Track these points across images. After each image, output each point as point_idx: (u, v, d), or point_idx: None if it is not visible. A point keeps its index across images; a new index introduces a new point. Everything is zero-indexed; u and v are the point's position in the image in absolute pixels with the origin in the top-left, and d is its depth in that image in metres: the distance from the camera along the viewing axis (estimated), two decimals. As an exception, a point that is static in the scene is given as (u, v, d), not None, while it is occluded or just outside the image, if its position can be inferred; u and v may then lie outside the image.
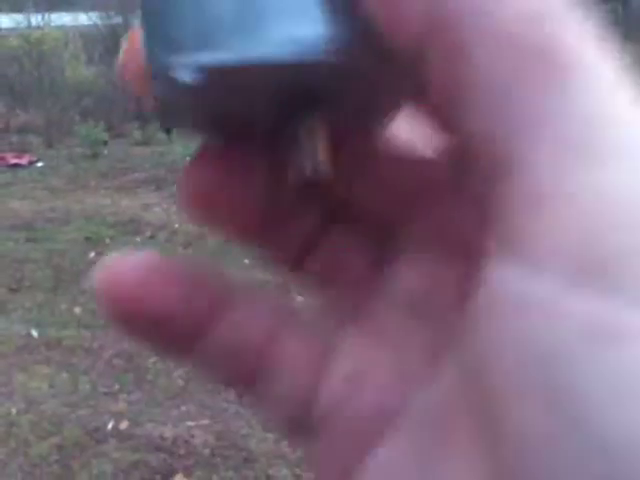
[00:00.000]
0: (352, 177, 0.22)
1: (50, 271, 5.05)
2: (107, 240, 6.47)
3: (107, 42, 13.67)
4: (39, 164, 9.26)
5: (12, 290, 4.55)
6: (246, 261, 5.96)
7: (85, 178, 10.04)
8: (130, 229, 7.08)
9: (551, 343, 0.14)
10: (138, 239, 6.64)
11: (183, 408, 3.10)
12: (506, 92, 0.15)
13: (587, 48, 0.15)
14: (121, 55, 0.21)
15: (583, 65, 0.15)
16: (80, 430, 2.95)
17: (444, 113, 0.16)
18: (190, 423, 2.92)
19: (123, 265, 0.22)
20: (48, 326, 4.02)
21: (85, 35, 13.41)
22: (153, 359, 3.53)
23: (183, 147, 11.73)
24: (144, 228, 7.23)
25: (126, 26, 12.99)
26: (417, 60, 0.16)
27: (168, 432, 2.87)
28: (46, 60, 11.50)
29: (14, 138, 10.69)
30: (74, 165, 11.19)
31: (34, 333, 3.92)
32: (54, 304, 4.33)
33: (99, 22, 13.41)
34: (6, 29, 13.04)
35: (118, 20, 13.06)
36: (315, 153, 0.19)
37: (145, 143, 13.32)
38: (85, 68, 13.05)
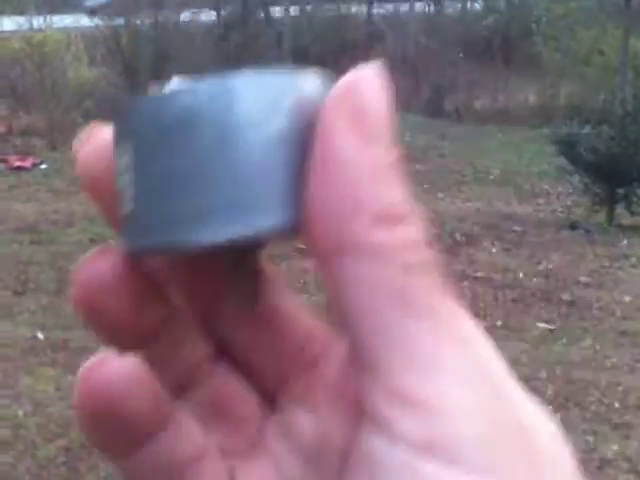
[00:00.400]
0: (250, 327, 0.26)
1: (55, 273, 5.05)
2: (111, 241, 6.43)
3: (109, 43, 13.69)
4: (42, 166, 9.27)
5: (17, 293, 4.56)
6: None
7: (89, 180, 9.99)
8: (134, 230, 7.05)
9: None
10: (142, 240, 6.62)
11: (189, 408, 3.10)
12: (376, 316, 0.20)
13: (440, 299, 0.20)
14: (83, 155, 0.24)
15: (424, 310, 0.20)
16: (87, 432, 2.95)
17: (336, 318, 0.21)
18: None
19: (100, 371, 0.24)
20: (54, 328, 4.02)
21: (87, 37, 13.43)
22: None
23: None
24: (148, 229, 7.19)
25: (127, 27, 13.01)
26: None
27: (175, 432, 2.87)
28: (48, 62, 11.50)
29: (17, 141, 10.72)
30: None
31: (40, 336, 3.92)
32: (59, 306, 4.33)
33: (100, 24, 13.41)
34: (8, 31, 13.04)
35: (120, 21, 13.07)
36: (245, 289, 0.24)
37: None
38: (87, 70, 13.08)
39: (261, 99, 0.21)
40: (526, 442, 0.20)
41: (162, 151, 0.21)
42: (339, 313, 0.21)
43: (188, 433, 0.25)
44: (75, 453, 2.82)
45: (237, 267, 0.25)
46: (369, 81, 0.21)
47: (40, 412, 3.12)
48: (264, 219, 0.21)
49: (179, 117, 0.21)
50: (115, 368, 0.23)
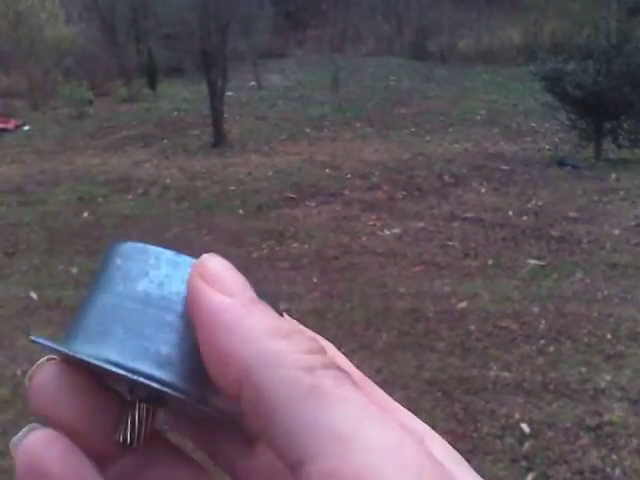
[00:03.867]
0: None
1: (44, 233, 5.04)
2: (100, 199, 6.44)
3: (85, -1, 13.44)
4: (26, 127, 9.19)
5: (8, 254, 4.55)
6: (240, 211, 5.96)
7: (73, 139, 9.96)
8: (121, 187, 7.05)
9: None
10: (130, 197, 6.62)
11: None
12: (294, 413, 0.23)
13: (351, 390, 0.23)
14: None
15: (337, 398, 0.23)
16: (86, 387, 2.98)
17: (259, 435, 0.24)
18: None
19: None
20: (46, 288, 4.02)
21: (62, -7, 13.17)
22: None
23: (168, 101, 11.63)
24: (135, 185, 7.19)
25: (103, -19, 12.75)
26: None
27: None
28: (24, 21, 11.31)
29: (-2, 103, 10.60)
30: (61, 127, 11.08)
31: (33, 295, 3.93)
32: (51, 266, 4.33)
33: (75, -21, 13.16)
34: (-19, -9, 12.79)
35: (94, -24, 12.81)
36: (129, 428, 0.27)
37: (131, 99, 13.20)
38: (64, 27, 12.87)
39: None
40: None
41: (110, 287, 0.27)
42: (260, 419, 0.24)
43: None
44: (75, 408, 2.84)
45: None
46: (215, 258, 0.26)
47: (38, 370, 3.14)
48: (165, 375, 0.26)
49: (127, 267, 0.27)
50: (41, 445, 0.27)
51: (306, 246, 4.65)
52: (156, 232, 4.80)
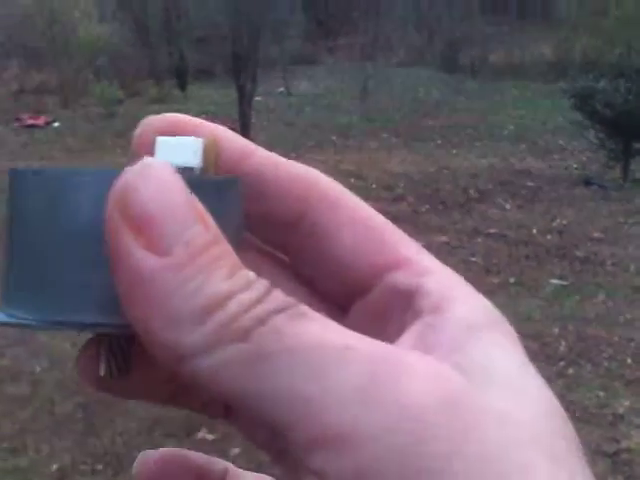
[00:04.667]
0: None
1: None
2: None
3: (119, -1, 13.56)
4: (55, 124, 9.27)
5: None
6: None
7: (102, 137, 10.03)
8: (147, 188, 7.05)
9: None
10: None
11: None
12: (250, 382, 0.20)
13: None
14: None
15: (286, 354, 0.20)
16: (104, 388, 2.99)
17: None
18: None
19: (149, 464, 0.28)
20: None
21: (97, -8, 13.30)
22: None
23: (198, 103, 11.69)
24: (161, 186, 7.18)
25: (137, -18, 12.86)
26: None
27: (190, 389, 2.90)
28: (58, 19, 11.43)
29: (30, 99, 10.69)
30: (90, 125, 11.16)
31: (56, 293, 3.96)
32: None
33: (110, -21, 13.28)
34: (17, -12, 12.93)
35: (129, -24, 12.92)
36: (108, 358, 0.25)
37: (161, 100, 13.27)
38: (97, 26, 12.98)
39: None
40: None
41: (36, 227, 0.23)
42: (233, 404, 0.21)
43: None
44: (92, 409, 2.86)
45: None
46: (144, 176, 0.21)
47: (57, 368, 3.16)
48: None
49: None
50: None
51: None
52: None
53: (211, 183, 0.23)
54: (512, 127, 8.55)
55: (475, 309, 0.24)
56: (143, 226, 0.20)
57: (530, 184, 6.38)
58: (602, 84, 6.86)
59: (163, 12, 13.04)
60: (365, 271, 0.26)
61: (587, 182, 6.40)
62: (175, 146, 0.23)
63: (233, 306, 0.20)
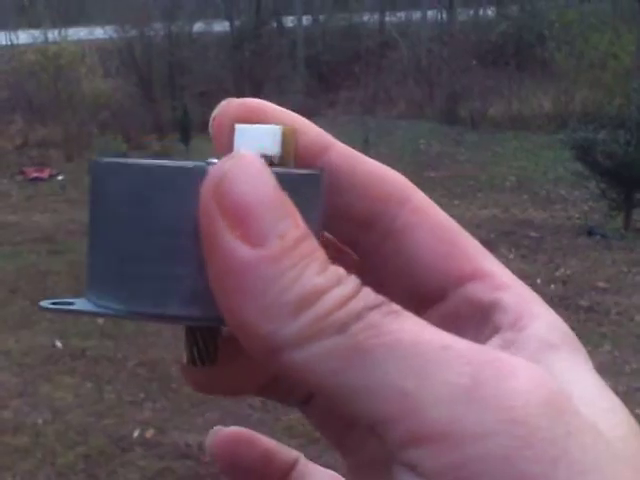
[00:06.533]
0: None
1: (73, 282, 5.07)
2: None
3: (123, 55, 13.76)
4: (59, 177, 9.33)
5: (36, 302, 4.58)
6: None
7: (105, 190, 10.02)
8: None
9: None
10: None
11: (208, 415, 3.11)
12: (351, 377, 0.20)
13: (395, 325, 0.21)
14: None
15: (384, 351, 0.20)
16: (106, 439, 2.96)
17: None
18: (215, 430, 2.92)
19: (223, 435, 0.29)
20: (72, 337, 4.03)
21: (101, 49, 13.51)
22: (177, 367, 3.53)
23: (201, 156, 11.77)
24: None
25: (142, 39, 13.08)
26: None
27: (193, 439, 2.87)
28: (63, 74, 11.58)
29: (34, 152, 10.79)
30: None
31: (58, 344, 3.94)
32: (77, 315, 4.35)
33: (115, 36, 13.49)
34: (24, 44, 13.15)
35: (133, 33, 13.14)
36: (192, 347, 0.25)
37: (164, 154, 13.38)
38: (102, 81, 13.15)
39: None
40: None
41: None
42: (325, 396, 0.21)
43: (315, 476, 0.30)
44: (94, 460, 2.82)
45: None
46: (240, 169, 0.21)
47: (59, 420, 3.13)
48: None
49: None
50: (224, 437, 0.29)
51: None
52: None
53: (297, 176, 0.23)
54: (513, 178, 8.59)
55: (553, 327, 0.24)
56: (240, 217, 0.20)
57: (533, 234, 6.39)
58: (602, 135, 6.92)
59: (166, 67, 13.22)
60: (441, 278, 0.26)
61: (590, 232, 6.40)
62: (255, 134, 0.23)
63: (328, 300, 0.20)
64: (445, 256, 0.26)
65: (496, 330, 0.24)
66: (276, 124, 0.24)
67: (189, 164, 0.22)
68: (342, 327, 0.20)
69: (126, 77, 13.74)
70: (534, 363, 0.21)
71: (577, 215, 7.22)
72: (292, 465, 0.30)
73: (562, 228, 6.64)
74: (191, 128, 13.63)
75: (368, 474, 0.27)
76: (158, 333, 4.03)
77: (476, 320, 0.25)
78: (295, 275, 0.20)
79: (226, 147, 0.24)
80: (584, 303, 4.67)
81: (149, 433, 3.00)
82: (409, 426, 0.19)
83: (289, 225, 0.21)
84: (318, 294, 0.20)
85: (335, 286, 0.20)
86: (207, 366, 0.25)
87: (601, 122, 7.38)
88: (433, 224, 0.26)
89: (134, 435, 2.99)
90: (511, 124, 11.32)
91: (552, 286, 4.99)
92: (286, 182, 0.21)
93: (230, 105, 0.25)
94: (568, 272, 5.29)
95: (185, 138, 13.33)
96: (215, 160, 0.22)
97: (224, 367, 0.26)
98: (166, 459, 2.80)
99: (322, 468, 0.31)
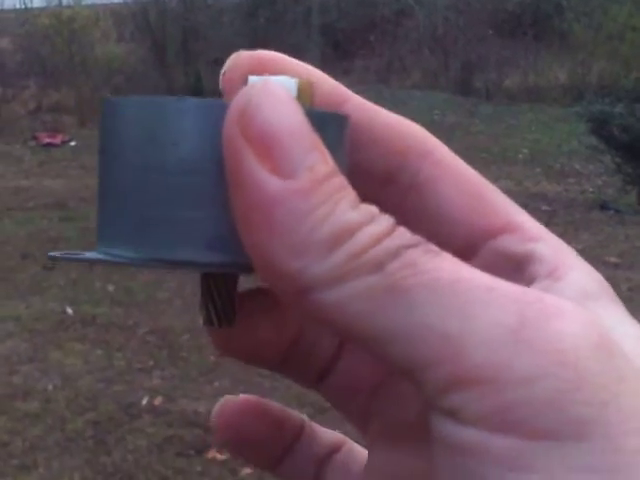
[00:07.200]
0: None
1: (84, 249, 5.07)
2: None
3: (137, 20, 13.69)
4: (72, 143, 9.33)
5: (47, 268, 4.60)
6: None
7: (117, 156, 10.01)
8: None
9: (482, 474, 0.18)
10: (170, 216, 6.66)
11: (217, 383, 3.12)
12: (395, 319, 0.19)
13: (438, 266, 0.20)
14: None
15: (422, 291, 0.20)
16: (115, 406, 2.98)
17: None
18: (223, 399, 2.94)
19: (229, 408, 0.29)
20: (83, 304, 4.06)
21: (115, 13, 13.43)
22: (187, 335, 3.55)
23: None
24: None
25: (156, 4, 12.99)
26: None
27: (202, 407, 2.89)
28: (77, 38, 11.53)
29: (47, 117, 10.78)
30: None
31: (69, 310, 3.96)
32: (88, 282, 4.37)
33: (129, 0, 13.42)
34: (37, 8, 13.09)
35: (148, -3, 13.06)
36: (208, 305, 0.24)
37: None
38: (116, 46, 13.10)
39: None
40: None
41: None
42: (358, 340, 0.20)
43: (319, 439, 0.29)
44: (103, 426, 2.85)
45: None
46: (266, 96, 0.20)
47: (69, 386, 3.15)
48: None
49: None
50: (232, 408, 0.28)
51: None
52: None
53: (323, 115, 0.22)
54: (527, 151, 8.54)
55: (590, 278, 0.23)
56: (268, 147, 0.19)
57: (545, 208, 6.35)
58: (619, 109, 6.84)
59: (181, 32, 13.15)
60: (469, 233, 0.25)
61: (603, 206, 6.36)
62: None
63: (363, 237, 0.19)
64: (473, 210, 0.25)
65: (532, 281, 0.23)
66: (291, 77, 0.22)
67: (205, 100, 0.21)
68: (378, 266, 0.19)
69: (140, 42, 13.68)
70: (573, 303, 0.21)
71: (591, 189, 7.17)
72: (300, 431, 0.29)
73: (575, 202, 6.60)
74: (204, 94, 13.61)
75: (395, 440, 0.26)
76: (169, 301, 4.05)
77: (509, 272, 0.23)
78: (327, 210, 0.19)
79: None
80: (595, 278, 4.65)
81: (158, 400, 3.02)
82: (452, 369, 0.19)
83: (318, 158, 0.19)
84: (352, 230, 0.19)
85: (369, 223, 0.19)
86: (224, 326, 0.24)
87: (618, 95, 7.30)
88: (458, 177, 0.25)
89: (143, 402, 3.01)
90: (526, 96, 11.22)
91: (563, 260, 4.97)
92: (313, 119, 0.20)
93: (241, 58, 0.24)
94: (580, 246, 5.26)
95: (198, 105, 13.29)
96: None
97: (242, 329, 0.25)
98: (174, 427, 2.82)
99: (327, 429, 0.30)
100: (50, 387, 3.16)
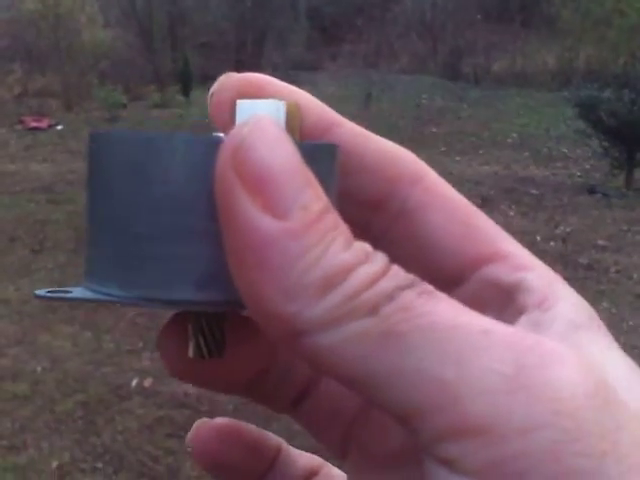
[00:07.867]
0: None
1: (71, 232, 5.07)
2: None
3: (123, 5, 13.59)
4: (58, 127, 9.28)
5: (34, 251, 4.58)
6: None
7: (104, 141, 9.98)
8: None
9: None
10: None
11: (206, 365, 3.12)
12: (381, 363, 0.19)
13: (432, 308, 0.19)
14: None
15: (418, 336, 0.19)
16: (104, 387, 2.98)
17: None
18: (213, 380, 2.94)
19: (205, 433, 0.29)
20: (71, 286, 4.04)
21: (101, -3, 13.34)
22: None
23: (201, 108, 11.71)
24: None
25: (142, -13, 12.90)
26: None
27: (192, 389, 2.89)
28: (63, 23, 11.44)
29: (33, 102, 10.70)
30: (93, 128, 11.15)
31: (57, 293, 3.94)
32: (76, 264, 4.36)
33: (115, -16, 13.32)
34: (22, -8, 12.96)
35: (134, -19, 12.97)
36: (197, 337, 0.24)
37: (163, 105, 13.30)
38: (102, 31, 13.01)
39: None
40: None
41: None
42: (352, 384, 0.19)
43: (296, 462, 0.29)
44: (92, 407, 2.84)
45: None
46: (259, 133, 0.19)
47: (58, 368, 3.15)
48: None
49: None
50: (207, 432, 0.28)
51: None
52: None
53: (313, 147, 0.21)
54: (515, 135, 8.55)
55: (579, 308, 0.22)
56: (261, 186, 0.19)
57: (533, 192, 6.37)
58: (606, 94, 6.87)
59: (167, 18, 13.08)
60: (458, 261, 0.24)
61: (591, 190, 6.39)
62: (257, 109, 0.22)
63: (357, 279, 0.19)
64: (461, 237, 0.24)
65: (521, 311, 0.22)
66: (279, 99, 0.22)
67: (195, 135, 0.20)
68: (372, 309, 0.18)
69: (126, 27, 13.61)
70: (567, 345, 0.20)
71: (578, 173, 7.20)
72: (276, 454, 0.29)
73: (563, 186, 6.62)
74: (191, 79, 13.53)
75: (377, 467, 0.26)
76: (157, 284, 4.04)
77: (498, 302, 0.23)
78: (320, 251, 0.19)
79: (227, 124, 0.22)
80: (583, 261, 4.67)
81: (147, 382, 3.02)
82: (448, 418, 0.18)
83: (312, 196, 0.19)
84: (345, 272, 0.19)
85: (363, 263, 0.19)
86: (214, 357, 0.24)
87: (605, 80, 7.32)
88: (447, 204, 0.24)
89: (132, 384, 3.01)
90: (514, 81, 11.23)
91: (552, 243, 4.99)
92: (305, 152, 0.19)
93: (230, 80, 0.24)
94: (568, 230, 5.29)
95: (185, 89, 13.23)
96: (221, 135, 0.21)
97: (226, 359, 0.24)
98: (164, 408, 2.82)
99: (304, 452, 0.30)
100: (39, 369, 3.15)
